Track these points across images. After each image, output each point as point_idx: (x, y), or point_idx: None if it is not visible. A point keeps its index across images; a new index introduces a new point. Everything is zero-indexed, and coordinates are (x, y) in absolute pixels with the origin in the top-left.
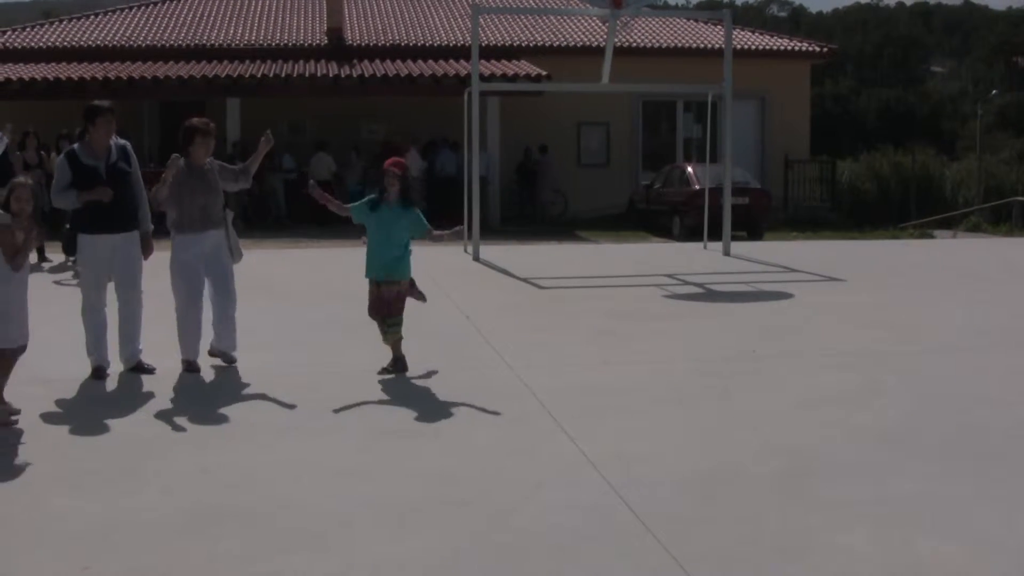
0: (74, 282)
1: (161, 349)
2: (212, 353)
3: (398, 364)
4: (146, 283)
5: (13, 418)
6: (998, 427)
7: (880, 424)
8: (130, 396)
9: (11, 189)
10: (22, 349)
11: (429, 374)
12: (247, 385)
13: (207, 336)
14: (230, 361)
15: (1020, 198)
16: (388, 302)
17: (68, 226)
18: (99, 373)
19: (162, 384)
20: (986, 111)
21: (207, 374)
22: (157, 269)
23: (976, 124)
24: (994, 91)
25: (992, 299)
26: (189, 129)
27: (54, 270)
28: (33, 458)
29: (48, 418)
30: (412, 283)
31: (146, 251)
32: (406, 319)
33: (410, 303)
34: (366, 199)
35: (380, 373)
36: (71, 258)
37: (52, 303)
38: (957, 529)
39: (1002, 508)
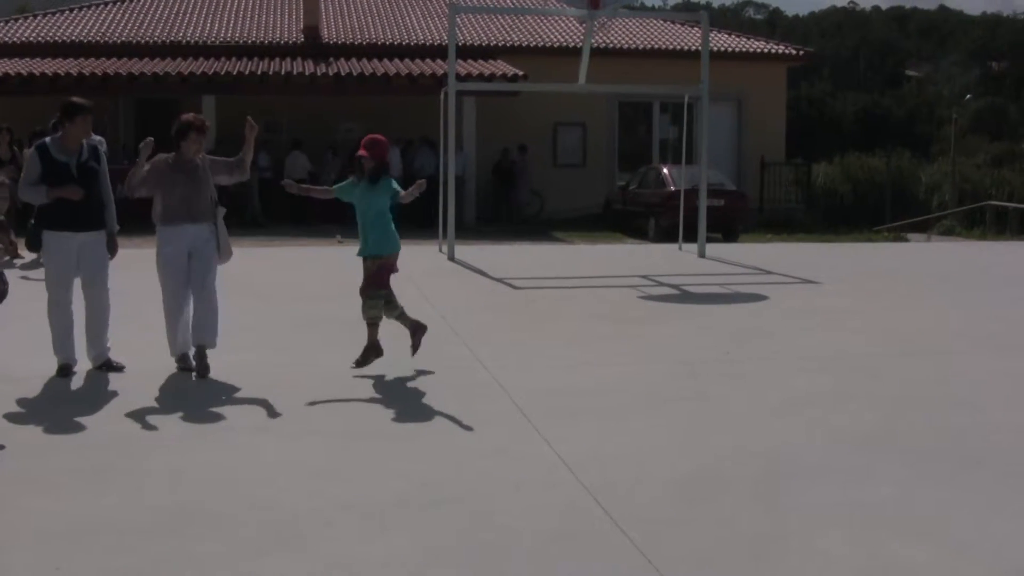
0: (42, 278)
1: (133, 347)
2: (191, 344)
3: (377, 350)
4: (117, 280)
5: None
6: (974, 431)
7: (856, 427)
8: (98, 395)
9: None
10: None
11: (405, 374)
12: (223, 384)
13: None
14: (202, 369)
15: (993, 202)
16: (380, 275)
17: (33, 222)
18: (65, 371)
19: (133, 382)
20: (961, 115)
21: (178, 374)
22: (131, 265)
23: (951, 128)
24: (968, 95)
25: (966, 302)
26: (184, 124)
27: (25, 267)
28: (1, 458)
29: (14, 417)
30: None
31: (112, 250)
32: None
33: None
34: (348, 180)
35: (357, 366)
36: (39, 255)
37: (18, 300)
38: (933, 533)
39: (977, 512)
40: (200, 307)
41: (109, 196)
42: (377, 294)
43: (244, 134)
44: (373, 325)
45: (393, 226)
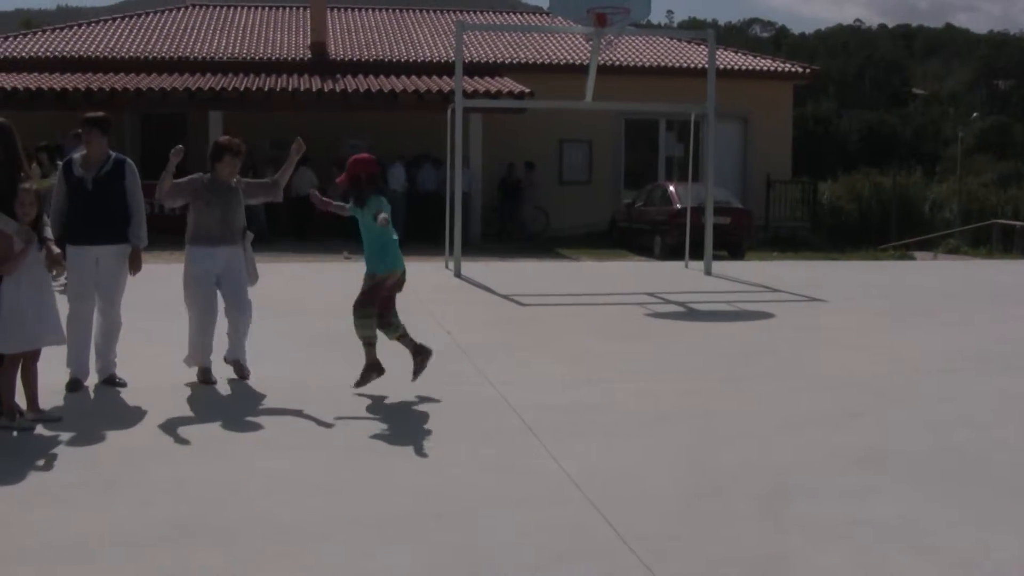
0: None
1: (142, 361)
2: (227, 360)
3: (377, 368)
4: (132, 295)
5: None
6: (977, 449)
7: (861, 445)
8: (106, 408)
9: (16, 194)
10: (34, 354)
11: (410, 390)
12: (228, 399)
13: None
14: (242, 375)
15: (999, 220)
16: (368, 292)
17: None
18: (75, 385)
19: (140, 397)
20: (967, 133)
21: (185, 389)
22: (146, 280)
23: (957, 147)
24: (975, 114)
25: (972, 321)
26: (218, 147)
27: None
28: (10, 469)
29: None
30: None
31: (133, 266)
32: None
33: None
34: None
35: (357, 387)
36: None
37: None
38: (937, 551)
39: (982, 530)
40: (237, 326)
41: (136, 210)
42: (365, 312)
43: (290, 150)
44: (369, 344)
45: (392, 245)
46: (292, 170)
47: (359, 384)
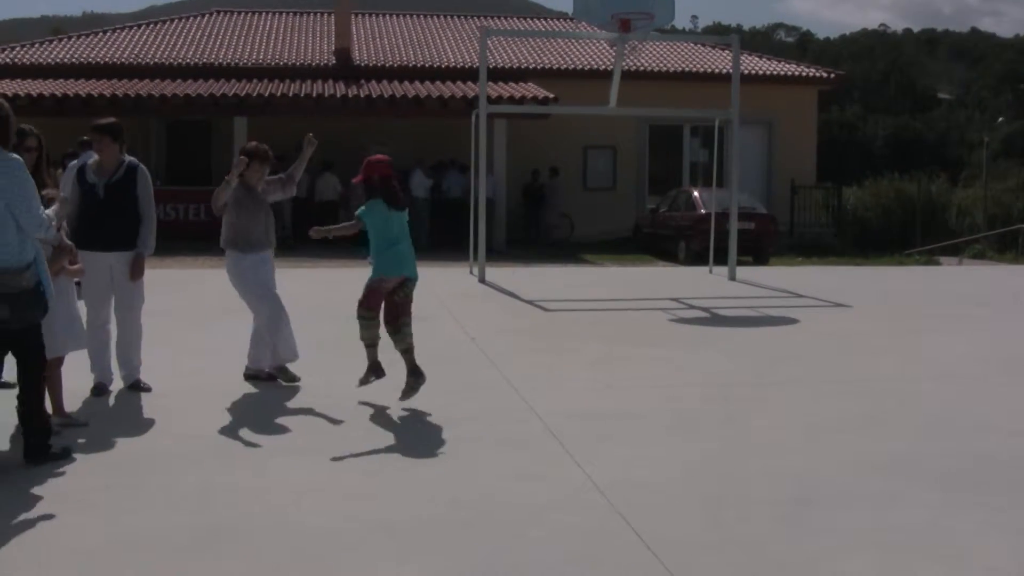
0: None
1: (168, 367)
2: (275, 364)
3: (377, 370)
4: (157, 301)
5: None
6: (1003, 456)
7: (886, 451)
8: (132, 413)
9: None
10: (58, 360)
11: (436, 397)
12: (251, 405)
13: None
14: (290, 379)
15: None
16: (367, 295)
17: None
18: (100, 389)
19: (166, 402)
20: (993, 139)
21: (211, 394)
22: (168, 286)
23: (983, 151)
24: (1000, 119)
25: (997, 327)
26: (246, 152)
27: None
28: (36, 474)
29: None
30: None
31: (135, 272)
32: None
33: None
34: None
35: (360, 385)
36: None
37: None
38: (962, 558)
39: (1007, 538)
40: (280, 328)
41: (147, 216)
42: (364, 314)
43: (302, 147)
44: (370, 346)
45: (392, 251)
46: (305, 164)
47: (361, 383)
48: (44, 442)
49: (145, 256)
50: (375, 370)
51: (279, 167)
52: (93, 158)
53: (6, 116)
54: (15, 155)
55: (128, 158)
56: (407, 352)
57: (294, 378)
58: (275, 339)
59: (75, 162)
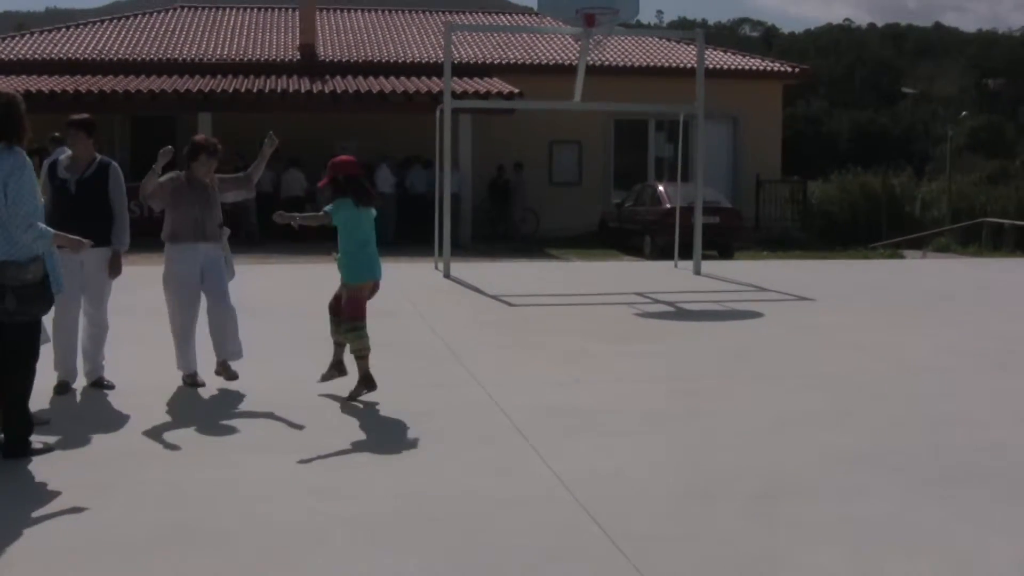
0: None
1: (134, 364)
2: (218, 360)
3: (369, 383)
4: (122, 298)
5: None
6: (970, 448)
7: (852, 445)
8: (98, 411)
9: None
10: None
11: (401, 393)
12: (219, 402)
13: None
14: (230, 376)
15: (989, 219)
16: (347, 304)
17: None
18: (63, 388)
19: (128, 400)
20: (957, 133)
21: (173, 391)
22: (135, 282)
23: (947, 145)
24: (964, 113)
25: (962, 319)
26: (195, 146)
27: None
28: (2, 470)
29: None
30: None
31: (113, 270)
32: (372, 333)
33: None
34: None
35: (349, 399)
36: None
37: None
38: (930, 550)
39: (976, 530)
40: (222, 322)
41: (119, 214)
42: (357, 325)
43: (263, 146)
44: (361, 357)
45: (363, 252)
46: (264, 164)
47: (350, 397)
48: (26, 436)
49: (121, 252)
50: (338, 367)
51: (243, 165)
52: (66, 153)
53: (14, 108)
54: (19, 149)
55: (100, 156)
56: (340, 346)
57: (234, 375)
58: (180, 342)
59: (48, 158)
